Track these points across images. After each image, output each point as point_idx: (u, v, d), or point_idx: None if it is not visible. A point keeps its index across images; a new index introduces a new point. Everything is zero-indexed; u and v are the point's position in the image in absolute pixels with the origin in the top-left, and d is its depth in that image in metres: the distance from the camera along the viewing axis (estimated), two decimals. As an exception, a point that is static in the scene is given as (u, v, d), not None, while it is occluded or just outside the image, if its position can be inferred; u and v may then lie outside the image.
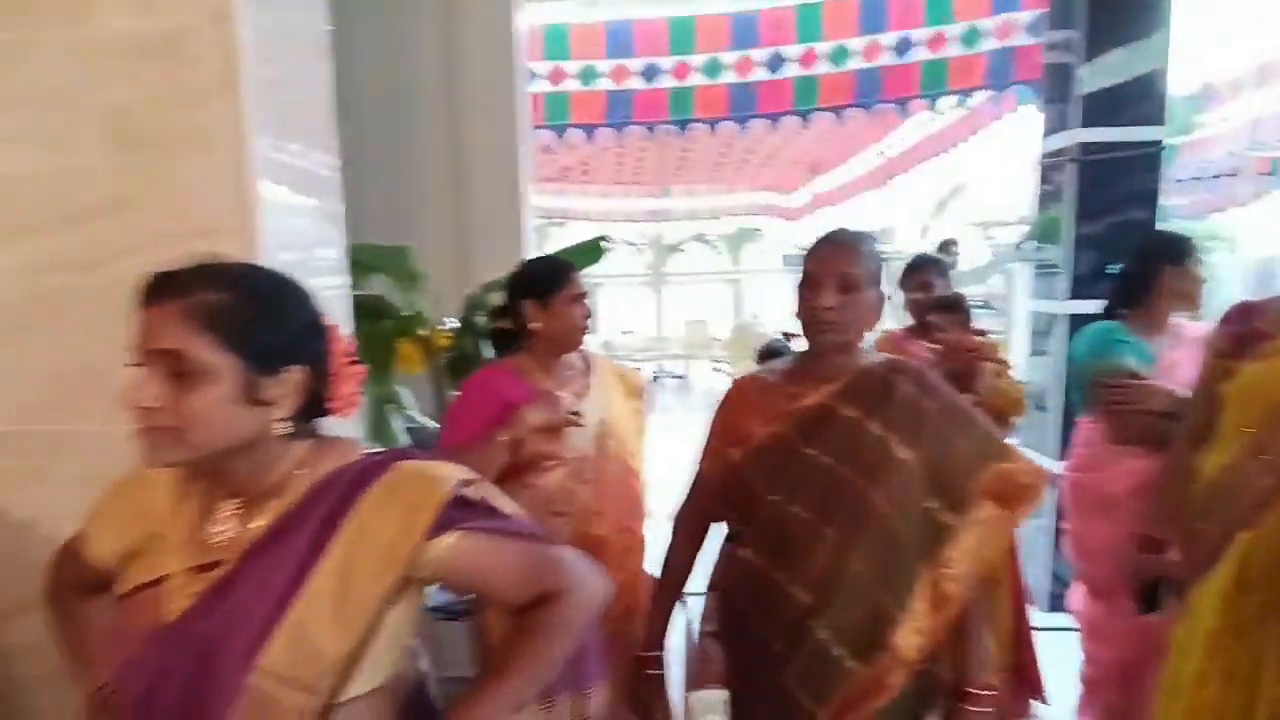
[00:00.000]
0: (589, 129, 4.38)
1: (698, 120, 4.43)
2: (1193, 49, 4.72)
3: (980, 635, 1.29)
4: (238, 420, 0.74)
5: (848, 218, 8.55)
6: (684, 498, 1.47)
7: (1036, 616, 2.43)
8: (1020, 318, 4.30)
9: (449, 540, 0.78)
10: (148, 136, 1.24)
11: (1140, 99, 2.88)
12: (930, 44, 4.20)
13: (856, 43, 4.25)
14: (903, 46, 4.24)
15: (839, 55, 4.28)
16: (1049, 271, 3.12)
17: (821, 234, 1.32)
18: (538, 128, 4.34)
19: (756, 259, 11.80)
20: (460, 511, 0.80)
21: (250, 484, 0.79)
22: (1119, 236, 2.84)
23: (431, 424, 2.46)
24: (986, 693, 1.25)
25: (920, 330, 2.31)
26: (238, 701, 0.73)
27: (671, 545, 1.47)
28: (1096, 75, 2.86)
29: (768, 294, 10.91)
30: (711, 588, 1.47)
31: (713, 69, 4.32)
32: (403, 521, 0.77)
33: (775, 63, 4.29)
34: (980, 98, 4.44)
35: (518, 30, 2.91)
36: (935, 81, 4.28)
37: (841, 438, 1.25)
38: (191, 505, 0.82)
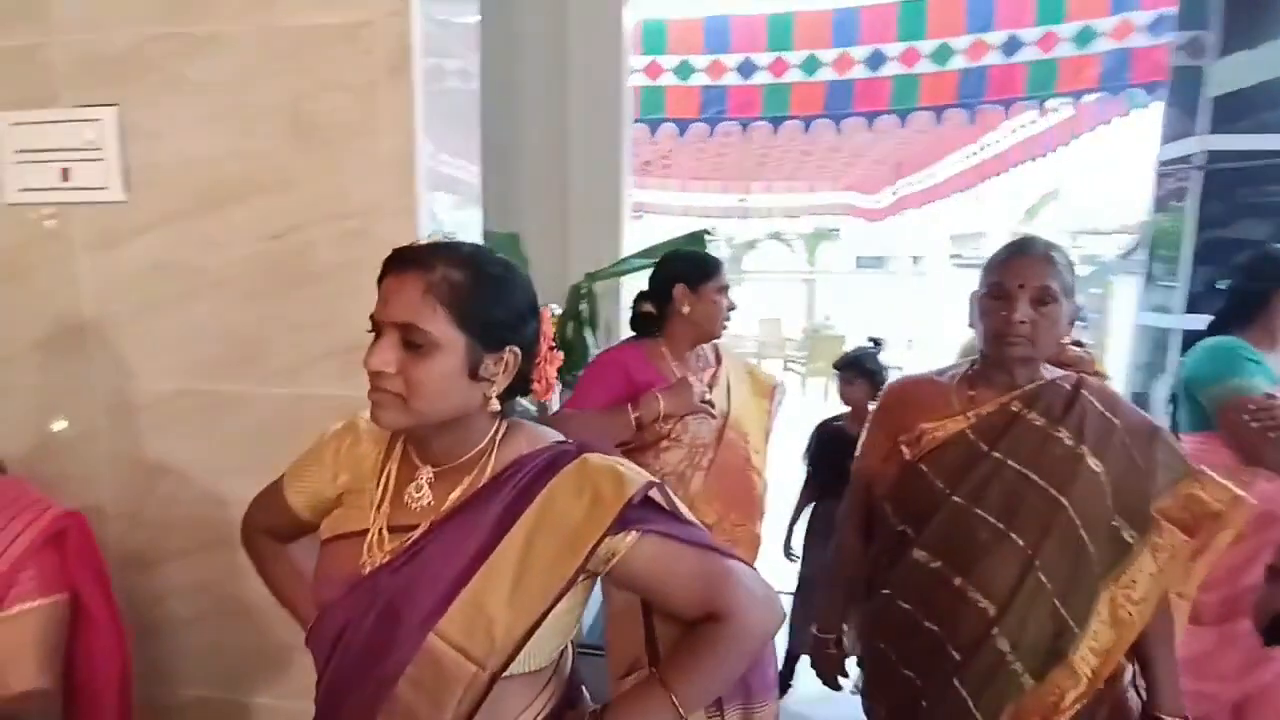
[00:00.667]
0: (682, 124, 4.40)
1: (791, 117, 4.39)
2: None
3: (1170, 663, 1.25)
4: (459, 393, 0.78)
5: (932, 219, 8.34)
6: (847, 495, 1.49)
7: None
8: (1122, 331, 4.13)
9: (629, 539, 0.80)
10: (322, 121, 1.33)
11: (1272, 104, 2.74)
12: (1040, 43, 4.06)
13: (961, 41, 4.14)
14: (1011, 46, 4.11)
15: (942, 54, 4.18)
16: (1163, 284, 3.00)
17: (1012, 242, 1.29)
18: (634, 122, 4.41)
19: (833, 259, 11.62)
20: (644, 513, 0.82)
21: (451, 454, 0.84)
22: (1239, 250, 2.72)
23: (531, 408, 2.55)
24: None
25: None
26: (414, 658, 0.78)
27: (840, 538, 1.50)
28: (1227, 77, 2.73)
29: (843, 294, 10.73)
30: (862, 636, 1.45)
31: (810, 66, 4.28)
32: (588, 514, 0.79)
33: (876, 60, 4.22)
34: (1090, 100, 4.28)
35: (625, 24, 2.96)
36: (1044, 82, 4.14)
37: (1031, 444, 1.23)
38: (394, 467, 0.87)
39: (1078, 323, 1.30)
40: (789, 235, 11.69)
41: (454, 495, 0.83)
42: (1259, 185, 2.76)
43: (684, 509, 0.87)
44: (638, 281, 2.54)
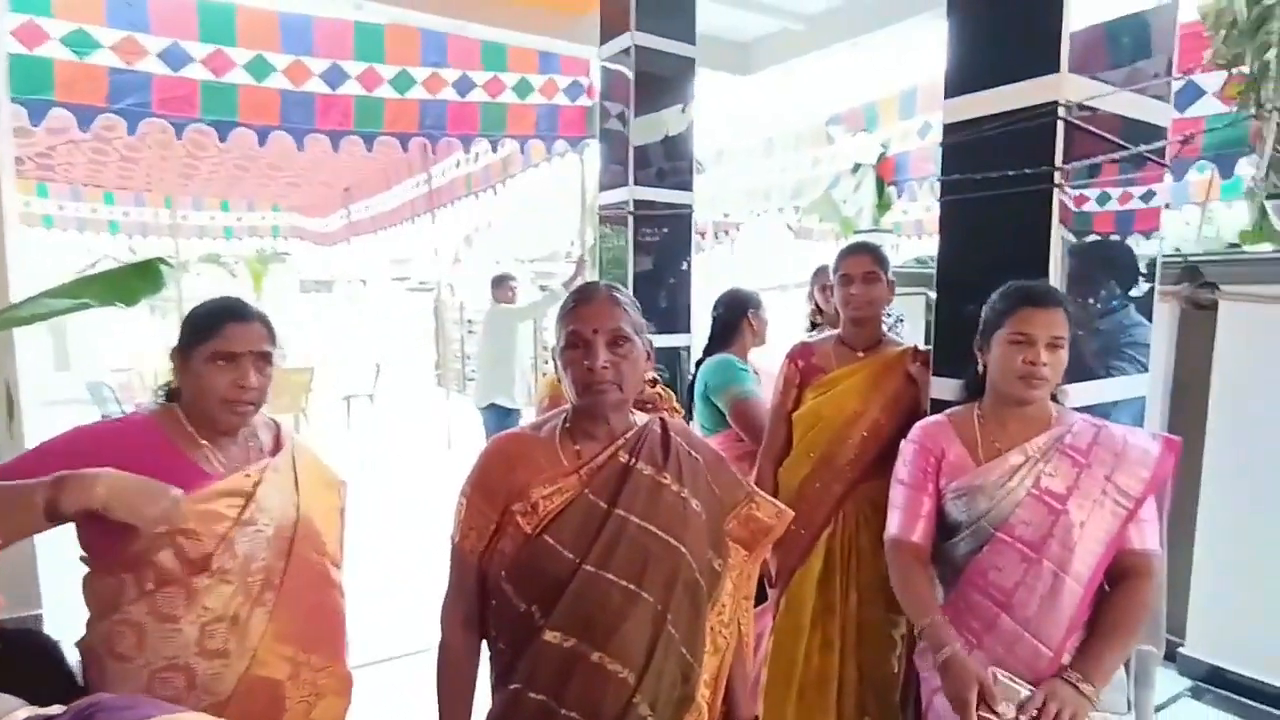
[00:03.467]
0: (83, 111, 3.42)
1: (244, 125, 3.83)
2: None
3: (742, 671, 1.37)
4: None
5: (379, 243, 8.36)
6: (450, 587, 1.28)
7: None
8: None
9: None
10: None
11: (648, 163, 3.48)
12: (487, 86, 4.40)
13: (420, 72, 4.21)
14: (463, 85, 4.35)
15: (402, 81, 4.18)
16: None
17: (577, 289, 1.27)
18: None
19: (281, 284, 10.67)
20: None
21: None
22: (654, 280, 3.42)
23: None
24: None
25: None
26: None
27: (445, 640, 1.27)
28: (637, 138, 3.38)
29: (290, 319, 9.94)
30: None
31: (260, 69, 3.79)
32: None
33: (335, 77, 3.98)
34: (531, 144, 4.84)
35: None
36: (496, 123, 4.51)
37: (645, 495, 1.21)
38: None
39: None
40: (228, 258, 10.25)
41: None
42: (650, 227, 3.47)
43: None
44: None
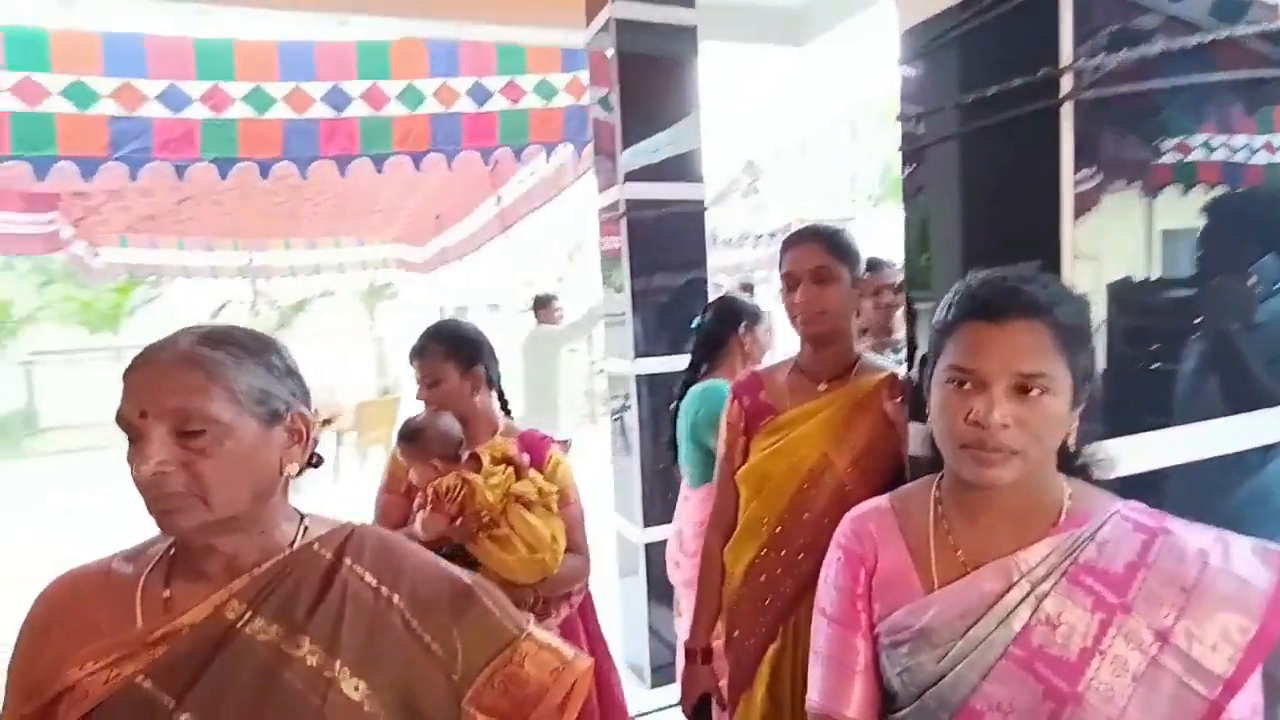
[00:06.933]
0: (86, 163, 3.40)
1: (247, 159, 3.71)
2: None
3: None
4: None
5: (472, 267, 8.31)
6: None
7: None
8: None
9: None
10: None
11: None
12: (505, 91, 4.05)
13: (429, 84, 3.93)
14: (479, 94, 4.02)
15: (412, 97, 3.92)
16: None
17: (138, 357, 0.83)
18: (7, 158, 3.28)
19: (392, 314, 11.04)
20: None
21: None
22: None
23: None
24: None
25: None
26: None
27: None
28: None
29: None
30: None
31: (260, 101, 3.65)
32: None
33: (338, 99, 3.77)
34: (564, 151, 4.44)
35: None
36: (518, 132, 4.15)
37: (248, 678, 0.77)
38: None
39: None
40: (342, 292, 10.75)
41: None
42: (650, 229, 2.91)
43: None
44: None
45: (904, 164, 1.26)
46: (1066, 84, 0.98)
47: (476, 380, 1.69)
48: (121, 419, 0.76)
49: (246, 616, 0.78)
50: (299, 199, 6.23)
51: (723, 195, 7.26)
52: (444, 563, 0.93)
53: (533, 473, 1.63)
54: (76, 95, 3.37)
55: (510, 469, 1.60)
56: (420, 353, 1.68)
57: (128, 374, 0.77)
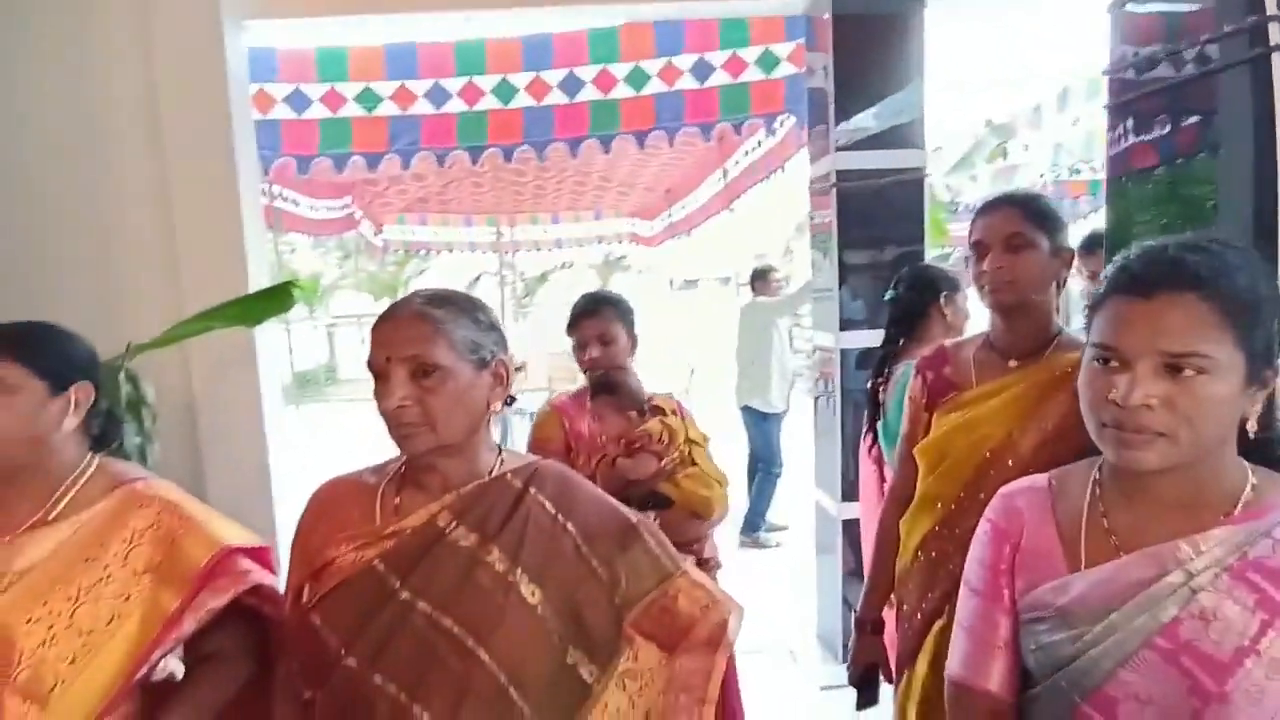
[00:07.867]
0: (371, 157, 4.04)
1: (494, 145, 4.17)
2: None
3: None
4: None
5: (699, 241, 8.48)
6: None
7: None
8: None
9: None
10: None
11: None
12: (726, 66, 4.10)
13: (654, 64, 4.10)
14: (701, 70, 4.12)
15: (637, 78, 4.12)
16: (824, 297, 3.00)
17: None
18: (317, 156, 4.02)
19: (626, 285, 11.64)
20: None
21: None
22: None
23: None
24: None
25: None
26: None
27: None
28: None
29: (659, 318, 10.68)
30: None
31: (505, 92, 4.08)
32: None
33: (571, 85, 4.09)
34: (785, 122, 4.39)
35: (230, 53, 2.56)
36: (738, 106, 4.19)
37: (450, 573, 0.94)
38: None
39: None
40: (579, 265, 11.60)
41: None
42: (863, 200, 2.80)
43: None
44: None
45: (1110, 120, 1.13)
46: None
47: (635, 340, 1.84)
48: (371, 363, 0.97)
49: (453, 525, 0.97)
50: (543, 177, 6.80)
51: (966, 158, 6.69)
52: (613, 500, 1.06)
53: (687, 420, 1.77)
54: (366, 99, 4.00)
55: (679, 418, 1.74)
56: (593, 314, 1.84)
57: (374, 329, 0.98)
